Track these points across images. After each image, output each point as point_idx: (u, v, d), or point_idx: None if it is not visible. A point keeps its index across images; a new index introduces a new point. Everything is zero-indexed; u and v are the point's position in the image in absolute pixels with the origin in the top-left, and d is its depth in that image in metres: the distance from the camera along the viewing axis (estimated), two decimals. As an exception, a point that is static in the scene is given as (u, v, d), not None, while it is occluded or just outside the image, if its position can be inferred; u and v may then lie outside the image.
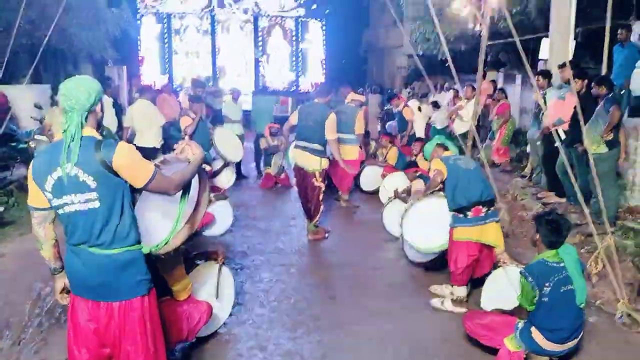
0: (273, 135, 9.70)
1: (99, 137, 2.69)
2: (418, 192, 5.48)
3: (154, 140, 8.35)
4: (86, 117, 2.67)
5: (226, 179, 8.03)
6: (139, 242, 2.81)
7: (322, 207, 6.89)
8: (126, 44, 16.48)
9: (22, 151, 8.78)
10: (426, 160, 5.85)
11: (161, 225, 3.05)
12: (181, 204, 2.97)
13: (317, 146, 6.52)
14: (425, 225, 5.32)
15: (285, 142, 8.90)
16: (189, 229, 3.03)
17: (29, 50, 12.01)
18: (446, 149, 5.52)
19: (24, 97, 10.38)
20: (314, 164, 6.57)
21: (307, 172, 6.64)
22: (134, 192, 2.83)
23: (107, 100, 9.77)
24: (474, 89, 9.30)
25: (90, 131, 2.69)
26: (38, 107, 9.07)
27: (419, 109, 10.92)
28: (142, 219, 2.98)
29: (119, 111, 10.31)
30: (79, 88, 2.64)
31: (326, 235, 6.98)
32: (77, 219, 2.67)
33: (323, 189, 6.72)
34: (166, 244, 2.94)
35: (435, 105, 11.43)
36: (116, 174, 2.62)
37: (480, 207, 4.73)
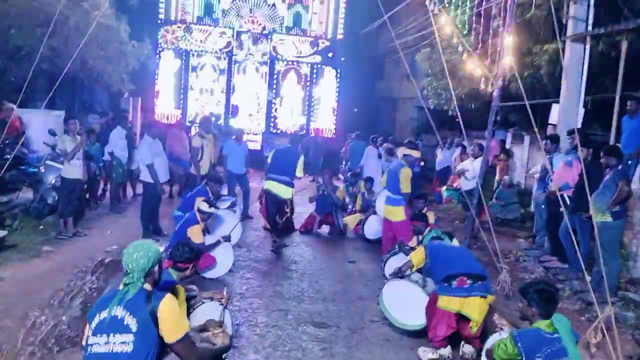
0: None
1: (151, 289, 2.96)
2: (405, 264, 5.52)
3: (164, 175, 8.37)
4: (145, 277, 2.96)
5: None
6: None
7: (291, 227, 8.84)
8: (143, 77, 16.80)
9: (31, 175, 8.87)
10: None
11: None
12: None
13: (288, 179, 8.18)
14: (403, 303, 5.46)
15: None
16: None
17: (47, 76, 12.30)
18: (441, 239, 5.60)
19: (38, 122, 10.57)
20: (288, 193, 8.28)
21: (280, 199, 8.25)
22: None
23: (121, 132, 9.94)
24: (481, 147, 9.39)
25: (146, 285, 2.97)
26: (52, 133, 9.19)
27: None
28: None
29: (131, 142, 10.47)
30: (141, 255, 2.95)
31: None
32: None
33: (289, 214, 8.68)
34: None
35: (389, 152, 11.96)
36: (157, 325, 2.80)
37: (466, 278, 4.80)
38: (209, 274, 6.67)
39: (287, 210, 8.38)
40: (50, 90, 8.73)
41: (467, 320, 4.86)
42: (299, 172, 8.29)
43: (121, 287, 2.92)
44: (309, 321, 5.68)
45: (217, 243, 6.79)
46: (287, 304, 6.13)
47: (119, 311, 2.79)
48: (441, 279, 4.91)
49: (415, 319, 5.29)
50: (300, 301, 6.30)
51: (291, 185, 8.29)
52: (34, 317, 5.10)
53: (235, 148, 10.25)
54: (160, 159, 8.28)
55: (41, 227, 8.12)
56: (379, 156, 12.56)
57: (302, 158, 8.35)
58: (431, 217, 7.30)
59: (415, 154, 7.93)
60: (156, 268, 3.02)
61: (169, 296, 2.90)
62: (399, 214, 7.61)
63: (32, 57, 8.66)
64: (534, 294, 3.55)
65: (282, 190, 8.21)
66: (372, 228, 9.09)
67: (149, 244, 3.06)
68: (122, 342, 2.74)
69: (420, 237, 6.64)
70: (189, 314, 4.23)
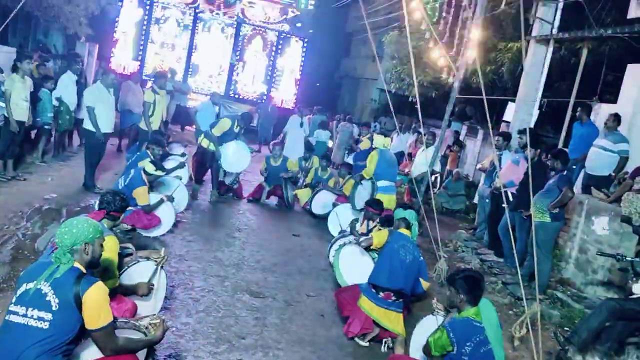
0: None
1: (84, 271, 2.87)
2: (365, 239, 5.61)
3: (106, 125, 8.11)
4: (70, 254, 2.85)
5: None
6: None
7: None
8: (103, 23, 16.11)
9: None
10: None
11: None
12: None
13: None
14: (354, 267, 5.62)
15: None
16: None
17: (-1, 10, 11.63)
18: (408, 226, 5.56)
19: (-14, 57, 10.00)
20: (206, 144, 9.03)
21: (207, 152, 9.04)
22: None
23: (71, 77, 9.53)
24: (434, 136, 9.52)
25: (77, 264, 2.87)
26: (-1, 70, 8.73)
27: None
28: None
29: (82, 90, 10.04)
30: (66, 231, 2.87)
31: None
32: (15, 332, 2.68)
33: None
34: None
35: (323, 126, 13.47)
36: (80, 310, 2.72)
37: (392, 294, 4.99)
38: (148, 233, 6.56)
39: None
40: (1, 25, 8.24)
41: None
42: (215, 130, 8.89)
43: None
44: (245, 290, 5.67)
45: (160, 202, 6.67)
46: (225, 271, 6.10)
47: (44, 286, 2.71)
48: (372, 281, 5.06)
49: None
50: (239, 269, 6.27)
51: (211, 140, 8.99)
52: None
53: (211, 110, 10.89)
54: (104, 107, 7.99)
55: (-23, 166, 7.75)
56: (301, 124, 13.22)
57: (225, 118, 9.18)
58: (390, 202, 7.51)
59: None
60: (82, 247, 2.89)
61: (98, 285, 2.80)
62: (392, 202, 7.84)
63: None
64: (461, 281, 3.63)
65: (209, 145, 9.02)
66: (320, 203, 9.10)
67: (82, 223, 2.94)
68: (39, 318, 2.66)
69: (373, 223, 6.67)
70: (122, 272, 4.15)
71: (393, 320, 4.98)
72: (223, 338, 4.55)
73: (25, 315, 2.67)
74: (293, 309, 5.47)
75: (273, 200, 9.88)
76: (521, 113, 9.10)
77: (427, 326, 4.40)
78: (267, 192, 9.76)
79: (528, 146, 6.52)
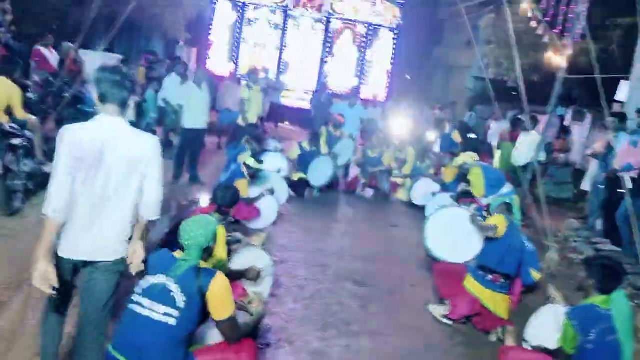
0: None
1: (201, 265, 2.91)
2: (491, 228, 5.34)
3: (195, 121, 8.35)
4: (203, 252, 2.92)
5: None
6: None
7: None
8: (199, 27, 16.79)
9: (87, 115, 9.01)
10: (489, 212, 5.63)
11: None
12: None
13: None
14: (452, 237, 5.57)
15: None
16: None
17: (106, 20, 12.44)
18: (510, 210, 5.32)
19: (97, 64, 10.69)
20: None
21: None
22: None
23: (175, 79, 9.99)
24: (535, 120, 9.07)
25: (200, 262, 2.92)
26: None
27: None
28: None
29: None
30: (199, 230, 2.90)
31: None
32: (141, 324, 2.74)
33: None
34: None
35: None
36: (203, 304, 2.77)
37: (501, 277, 4.86)
38: (253, 225, 6.71)
39: None
40: (109, 34, 8.82)
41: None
42: (290, 155, 9.20)
43: (178, 257, 2.87)
44: (348, 278, 5.65)
45: (261, 195, 6.80)
46: (327, 260, 6.11)
47: (171, 284, 2.75)
48: (481, 263, 4.96)
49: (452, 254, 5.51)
50: (340, 258, 6.26)
51: None
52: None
53: (348, 111, 10.97)
54: (193, 104, 8.25)
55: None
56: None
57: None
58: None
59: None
60: (213, 244, 2.98)
61: (219, 275, 2.83)
62: None
63: (94, 1, 8.74)
64: (598, 267, 3.43)
65: None
66: (420, 191, 8.81)
67: (208, 220, 3.00)
68: (165, 314, 2.71)
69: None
70: (232, 258, 4.27)
71: (499, 303, 4.81)
72: (330, 324, 4.56)
73: (150, 309, 2.73)
74: (397, 297, 5.40)
75: (369, 192, 9.82)
76: (637, 91, 8.43)
77: (545, 315, 4.17)
78: (363, 184, 9.71)
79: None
